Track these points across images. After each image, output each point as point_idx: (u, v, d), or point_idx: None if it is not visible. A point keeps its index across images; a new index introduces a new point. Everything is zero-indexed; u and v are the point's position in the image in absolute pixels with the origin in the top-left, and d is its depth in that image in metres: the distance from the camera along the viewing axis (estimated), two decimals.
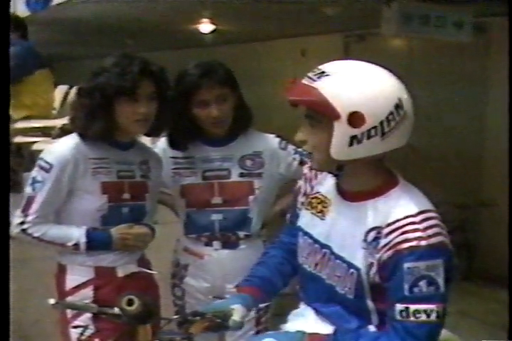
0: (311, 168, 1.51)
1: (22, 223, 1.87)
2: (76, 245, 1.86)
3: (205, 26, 7.02)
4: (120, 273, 1.93)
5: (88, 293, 1.89)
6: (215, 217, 2.06)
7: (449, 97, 5.55)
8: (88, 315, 1.83)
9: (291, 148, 2.12)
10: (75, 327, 1.89)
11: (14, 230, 1.89)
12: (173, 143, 2.10)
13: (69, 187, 1.85)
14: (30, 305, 2.89)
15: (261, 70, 7.46)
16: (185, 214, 2.11)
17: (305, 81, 1.35)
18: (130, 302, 1.37)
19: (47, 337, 2.76)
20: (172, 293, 2.18)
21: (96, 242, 1.88)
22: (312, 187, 1.55)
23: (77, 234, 1.86)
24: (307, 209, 1.53)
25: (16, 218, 1.89)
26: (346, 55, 6.14)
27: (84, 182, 1.85)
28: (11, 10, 6.01)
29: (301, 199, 1.58)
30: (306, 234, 1.51)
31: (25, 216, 1.87)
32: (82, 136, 1.88)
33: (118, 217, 1.91)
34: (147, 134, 2.00)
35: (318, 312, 1.50)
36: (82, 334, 1.88)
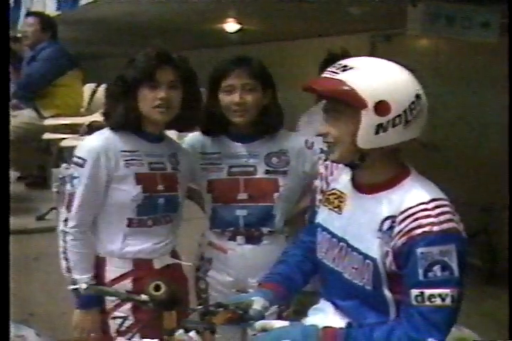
0: (332, 161, 1.53)
1: (66, 220, 1.92)
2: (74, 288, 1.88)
3: (231, 25, 7.05)
4: (156, 265, 1.99)
5: (127, 284, 1.94)
6: (240, 212, 2.09)
7: (474, 97, 5.50)
8: (128, 306, 1.89)
9: (317, 147, 2.15)
10: (115, 318, 1.94)
11: (60, 227, 1.94)
12: (203, 130, 2.15)
13: (105, 178, 1.89)
14: (58, 298, 2.95)
15: (286, 70, 7.47)
16: (211, 208, 2.14)
17: (327, 75, 1.40)
18: (157, 288, 1.42)
19: None
20: (196, 285, 2.22)
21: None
22: (328, 184, 1.60)
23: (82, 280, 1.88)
24: (325, 205, 1.57)
25: (61, 215, 1.95)
26: (372, 54, 6.10)
27: (119, 174, 1.90)
28: (42, 9, 6.13)
29: (318, 197, 1.62)
30: (324, 229, 1.55)
31: (69, 211, 1.91)
32: (112, 128, 1.94)
33: (154, 208, 1.96)
34: (179, 129, 2.06)
35: (337, 306, 1.53)
36: (121, 324, 1.93)
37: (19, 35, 4.69)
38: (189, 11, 5.95)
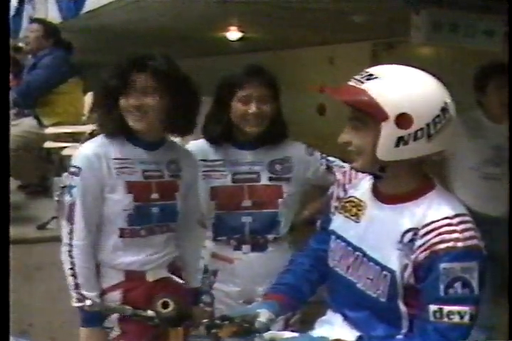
0: (354, 169, 1.49)
1: (70, 232, 1.85)
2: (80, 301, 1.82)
3: (233, 34, 7.06)
4: (149, 277, 1.93)
5: (117, 295, 1.89)
6: (245, 219, 2.08)
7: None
8: (115, 316, 1.84)
9: (317, 154, 2.19)
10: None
11: (64, 240, 1.87)
12: (208, 138, 2.14)
13: (99, 187, 1.85)
14: (58, 308, 2.92)
15: (288, 78, 7.48)
16: (215, 216, 2.12)
17: (352, 83, 1.37)
18: (165, 305, 1.39)
19: (74, 339, 2.79)
20: (200, 299, 2.17)
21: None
22: (346, 192, 1.56)
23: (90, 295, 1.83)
24: (340, 212, 1.54)
25: (64, 228, 1.88)
26: (374, 63, 6.11)
27: (110, 182, 1.86)
28: (44, 16, 6.14)
29: (334, 203, 1.59)
30: (339, 237, 1.52)
31: (72, 223, 1.85)
32: (106, 135, 1.92)
33: (147, 217, 1.90)
34: (175, 134, 1.99)
35: (346, 317, 1.49)
36: (108, 335, 1.89)
37: (20, 44, 4.69)
38: (191, 19, 5.95)
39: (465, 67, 5.48)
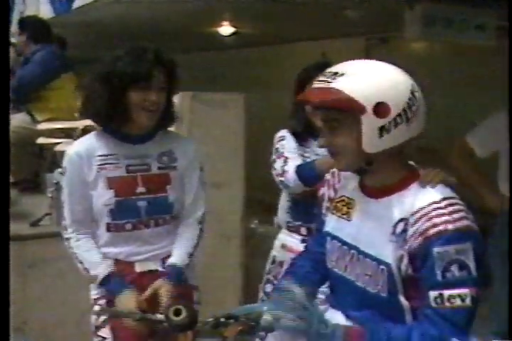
0: (340, 170, 1.53)
1: (65, 228, 1.96)
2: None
3: (226, 29, 7.03)
4: (138, 268, 1.98)
5: None
6: (316, 210, 2.16)
7: (471, 100, 5.50)
8: (102, 301, 1.93)
9: None
10: (92, 312, 1.97)
11: (63, 234, 1.98)
12: (294, 134, 2.28)
13: (81, 185, 1.91)
14: (52, 306, 2.91)
15: (281, 73, 7.47)
16: (292, 200, 2.27)
17: (319, 84, 1.38)
18: (177, 313, 1.38)
19: (69, 338, 2.79)
20: (262, 288, 2.29)
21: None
22: (336, 192, 1.57)
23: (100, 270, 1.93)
24: (333, 213, 1.55)
25: (62, 223, 1.99)
26: (367, 58, 6.10)
27: (91, 179, 1.90)
28: (35, 12, 6.09)
29: (325, 205, 1.59)
30: (334, 237, 1.52)
31: (65, 219, 1.97)
32: (103, 130, 1.94)
33: (133, 211, 1.92)
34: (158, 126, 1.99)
35: (349, 317, 1.49)
36: (97, 319, 1.95)
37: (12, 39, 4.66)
38: (183, 14, 5.92)
39: (458, 61, 5.50)
